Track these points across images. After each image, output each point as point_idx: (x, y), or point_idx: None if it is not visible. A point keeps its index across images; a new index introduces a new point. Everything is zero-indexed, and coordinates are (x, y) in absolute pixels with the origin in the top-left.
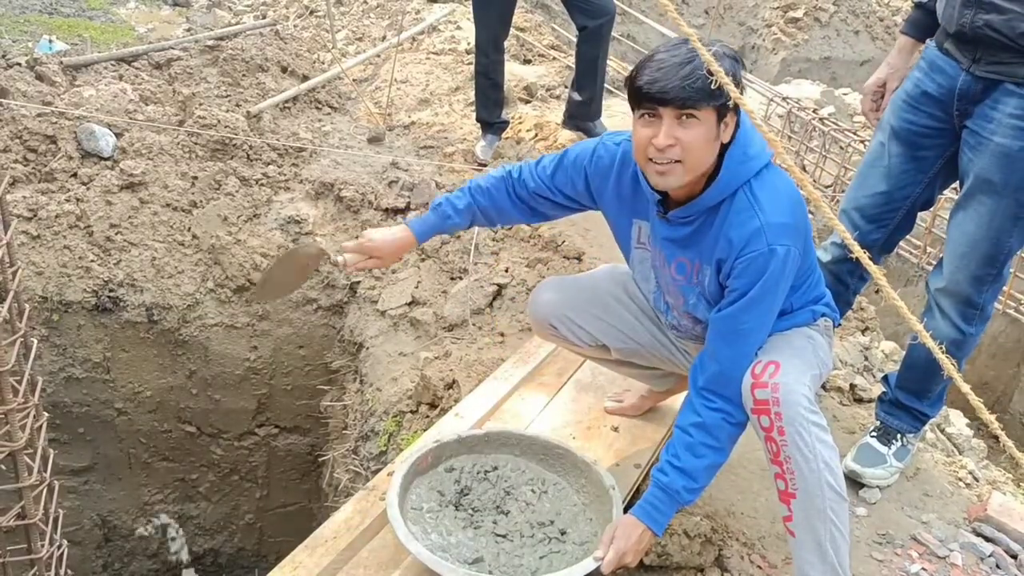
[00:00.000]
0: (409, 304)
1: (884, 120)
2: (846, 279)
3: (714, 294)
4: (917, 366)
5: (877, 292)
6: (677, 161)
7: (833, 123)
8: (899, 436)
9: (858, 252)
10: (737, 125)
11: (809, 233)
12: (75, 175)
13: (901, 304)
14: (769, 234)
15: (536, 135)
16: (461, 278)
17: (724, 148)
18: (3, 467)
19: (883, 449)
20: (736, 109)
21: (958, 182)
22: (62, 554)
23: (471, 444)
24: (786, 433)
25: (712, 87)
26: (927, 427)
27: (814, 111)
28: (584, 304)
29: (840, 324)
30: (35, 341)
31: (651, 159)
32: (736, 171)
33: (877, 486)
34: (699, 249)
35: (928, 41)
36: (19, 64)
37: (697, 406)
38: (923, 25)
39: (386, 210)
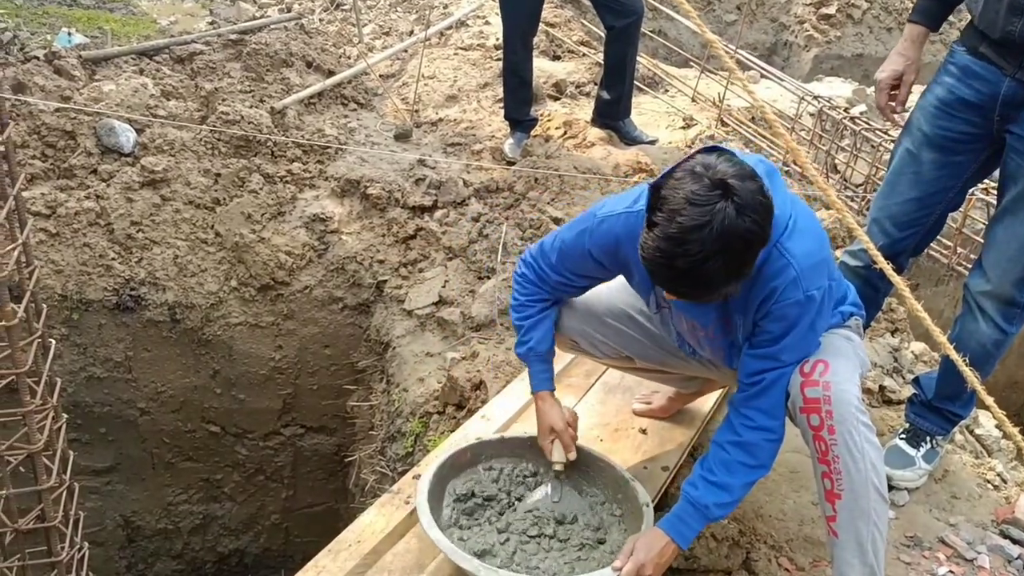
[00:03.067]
0: (436, 304)
1: (912, 126)
2: (877, 283)
3: (746, 334)
4: (957, 370)
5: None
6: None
7: (864, 122)
8: (928, 438)
9: (884, 267)
10: None
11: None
12: (95, 171)
13: (925, 316)
14: (804, 281)
15: (565, 133)
16: (489, 277)
17: None
18: (22, 469)
19: (912, 451)
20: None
21: (1000, 185)
22: (83, 556)
23: (513, 447)
24: (836, 432)
25: (732, 285)
26: (956, 429)
27: (845, 110)
28: (606, 319)
29: (869, 325)
30: (53, 342)
31: None
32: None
33: (905, 488)
34: (730, 304)
35: (954, 45)
36: (37, 58)
37: (736, 425)
38: (934, 13)
39: (413, 208)
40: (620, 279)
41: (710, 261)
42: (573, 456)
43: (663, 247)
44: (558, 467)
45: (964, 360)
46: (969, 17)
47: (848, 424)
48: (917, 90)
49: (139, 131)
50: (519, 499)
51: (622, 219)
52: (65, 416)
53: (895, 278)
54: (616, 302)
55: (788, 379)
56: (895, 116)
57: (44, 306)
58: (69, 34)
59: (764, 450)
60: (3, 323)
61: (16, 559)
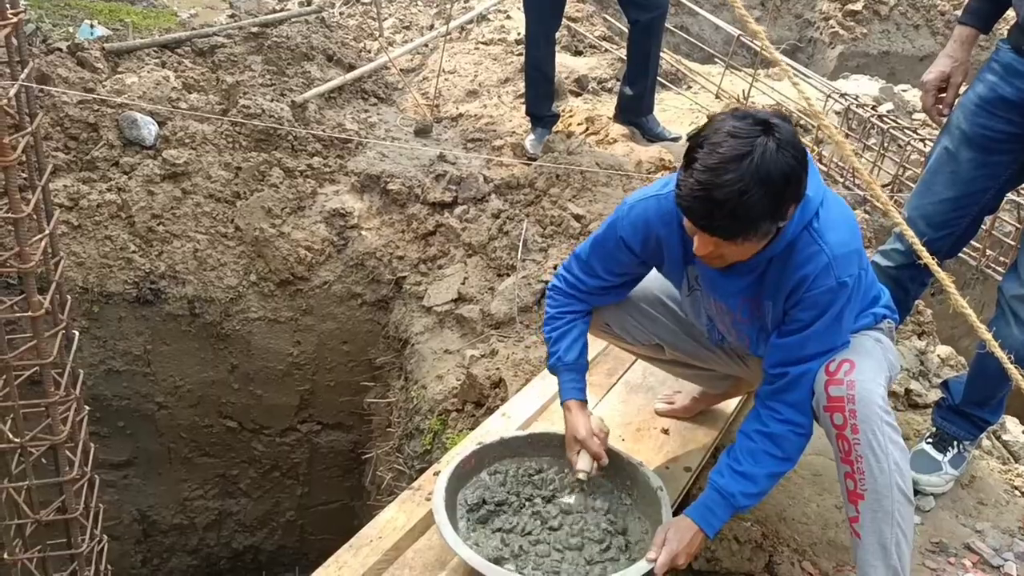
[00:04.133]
0: (455, 301)
1: (952, 124)
2: (907, 285)
3: (775, 321)
4: (987, 375)
5: (934, 295)
6: (721, 257)
7: (892, 120)
8: (955, 443)
9: (929, 261)
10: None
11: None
12: (116, 164)
13: (971, 314)
14: (837, 268)
15: (587, 129)
16: (509, 275)
17: None
18: (44, 460)
19: (938, 456)
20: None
21: None
22: (102, 549)
23: (514, 447)
24: (860, 431)
25: (767, 222)
26: (984, 434)
27: (872, 108)
28: (640, 303)
29: (899, 327)
30: (76, 334)
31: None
32: (798, 219)
33: (931, 494)
34: (761, 288)
35: (1000, 43)
36: (60, 49)
37: (764, 416)
38: (985, 14)
39: (433, 204)
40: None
41: (749, 193)
42: (605, 462)
43: (703, 179)
44: (581, 475)
45: (1009, 358)
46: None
47: (872, 423)
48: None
49: (161, 124)
50: (528, 499)
51: (652, 202)
52: (87, 409)
53: (943, 277)
54: (651, 288)
55: (814, 375)
56: (941, 119)
57: (68, 298)
58: (91, 26)
59: (791, 443)
60: (30, 314)
61: (37, 550)
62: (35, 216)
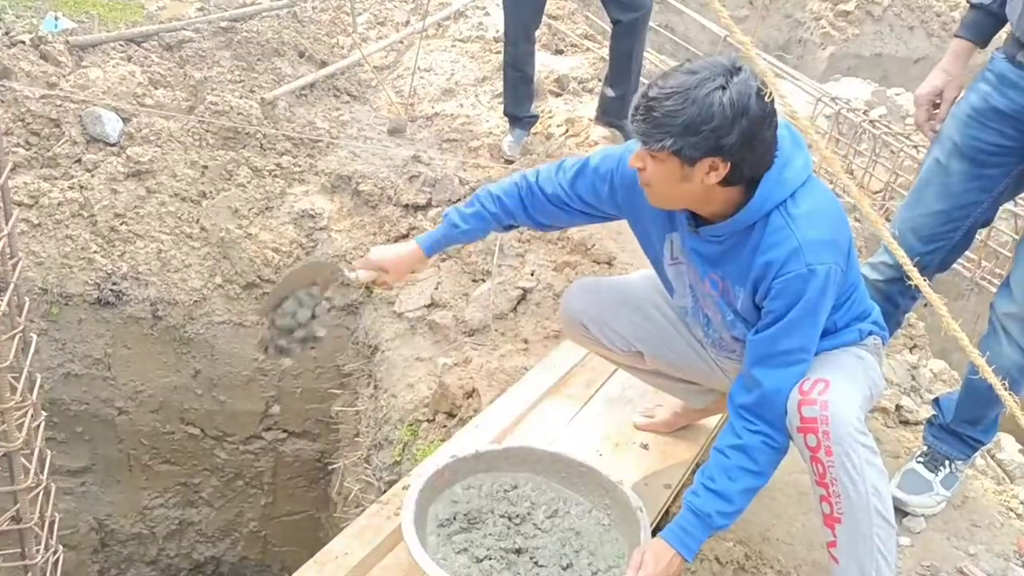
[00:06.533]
0: (428, 306)
1: (944, 135)
2: (896, 299)
3: (749, 313)
4: (978, 395)
5: (926, 306)
6: (649, 185)
7: (884, 126)
8: (947, 462)
9: (921, 284)
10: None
11: (851, 247)
12: (79, 161)
13: (963, 337)
14: (808, 254)
15: (567, 131)
16: (484, 280)
17: (755, 176)
18: None
19: (929, 476)
20: (735, 159)
21: None
22: (57, 559)
23: (490, 461)
24: (833, 453)
25: (671, 140)
26: (978, 453)
27: (864, 112)
28: (620, 306)
29: (888, 343)
30: (34, 336)
31: None
32: (770, 194)
33: (922, 515)
34: (730, 269)
35: (995, 52)
36: (23, 42)
37: (737, 428)
38: (982, 28)
39: (406, 206)
40: (641, 272)
41: (671, 100)
42: (364, 279)
43: (654, 83)
44: (351, 275)
45: (1002, 381)
46: None
47: (846, 445)
48: None
49: (126, 120)
50: (503, 516)
51: None
52: (44, 414)
53: (932, 296)
54: (635, 292)
55: (787, 393)
56: (934, 134)
57: (27, 299)
58: (56, 18)
59: (765, 455)
60: None
61: None
62: None
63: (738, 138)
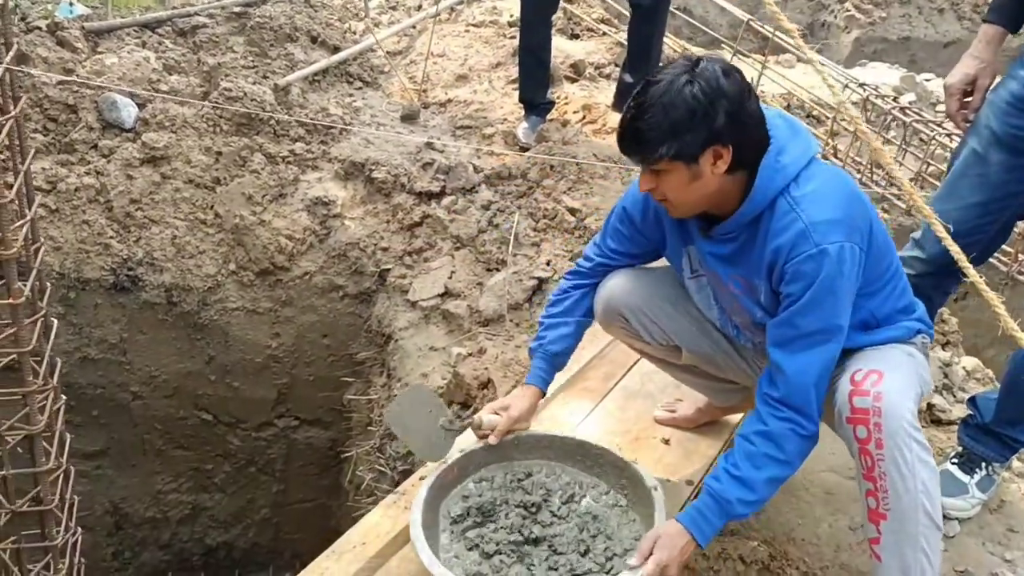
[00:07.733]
0: (442, 295)
1: (980, 124)
2: (929, 294)
3: (773, 306)
4: (1022, 392)
5: (957, 301)
6: (666, 199)
7: (915, 113)
8: (984, 464)
9: (974, 277)
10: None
11: (877, 230)
12: (95, 147)
13: (1020, 333)
14: (815, 234)
15: (583, 117)
16: (499, 270)
17: (760, 154)
18: (19, 450)
19: (965, 478)
20: (734, 140)
21: None
22: (76, 541)
23: (501, 451)
24: (884, 447)
25: (666, 146)
26: (1016, 455)
27: (894, 99)
28: (660, 298)
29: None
30: (55, 322)
31: None
32: (769, 182)
33: (957, 518)
34: (747, 265)
35: None
36: (40, 28)
37: (764, 415)
38: (1012, 12)
39: (419, 194)
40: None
41: (649, 113)
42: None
43: (629, 104)
44: (475, 421)
45: None
46: None
47: (898, 439)
48: None
49: (141, 106)
50: (518, 506)
51: None
52: (64, 398)
53: (989, 294)
54: (674, 284)
55: (817, 370)
56: (967, 125)
57: (48, 284)
58: (71, 4)
59: (792, 443)
60: (11, 301)
61: (11, 541)
62: (16, 200)
63: (725, 117)
